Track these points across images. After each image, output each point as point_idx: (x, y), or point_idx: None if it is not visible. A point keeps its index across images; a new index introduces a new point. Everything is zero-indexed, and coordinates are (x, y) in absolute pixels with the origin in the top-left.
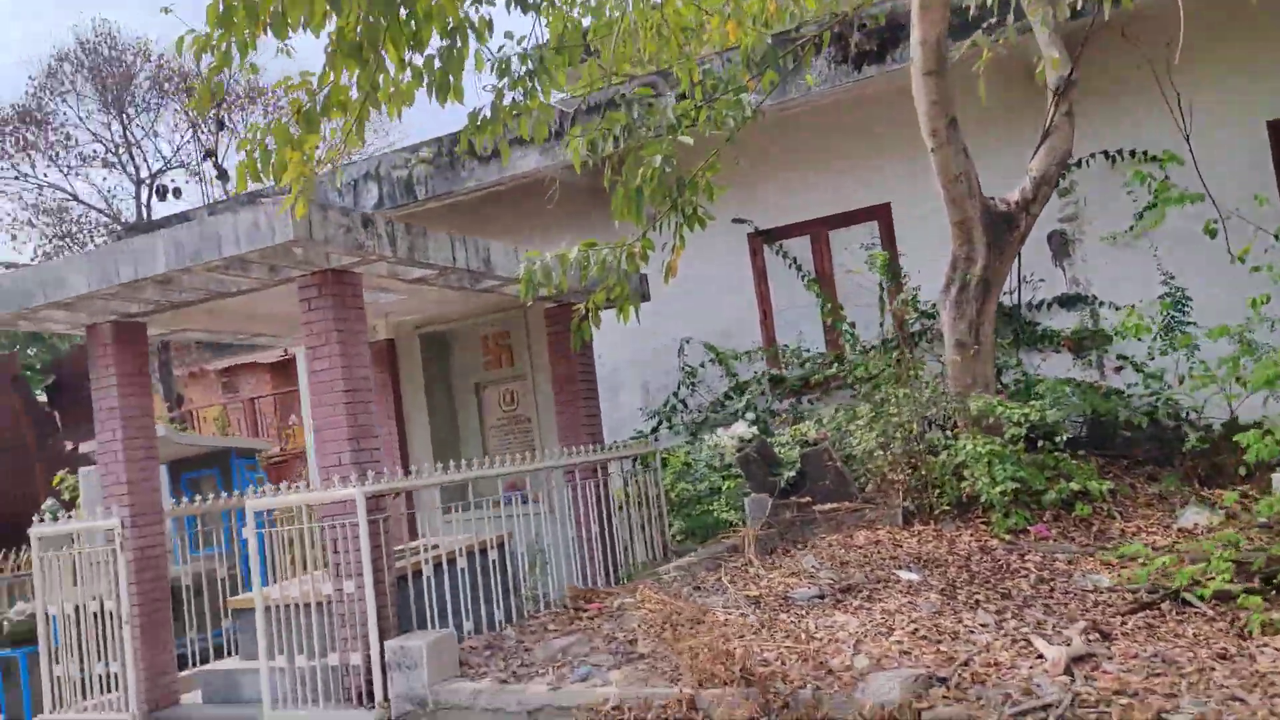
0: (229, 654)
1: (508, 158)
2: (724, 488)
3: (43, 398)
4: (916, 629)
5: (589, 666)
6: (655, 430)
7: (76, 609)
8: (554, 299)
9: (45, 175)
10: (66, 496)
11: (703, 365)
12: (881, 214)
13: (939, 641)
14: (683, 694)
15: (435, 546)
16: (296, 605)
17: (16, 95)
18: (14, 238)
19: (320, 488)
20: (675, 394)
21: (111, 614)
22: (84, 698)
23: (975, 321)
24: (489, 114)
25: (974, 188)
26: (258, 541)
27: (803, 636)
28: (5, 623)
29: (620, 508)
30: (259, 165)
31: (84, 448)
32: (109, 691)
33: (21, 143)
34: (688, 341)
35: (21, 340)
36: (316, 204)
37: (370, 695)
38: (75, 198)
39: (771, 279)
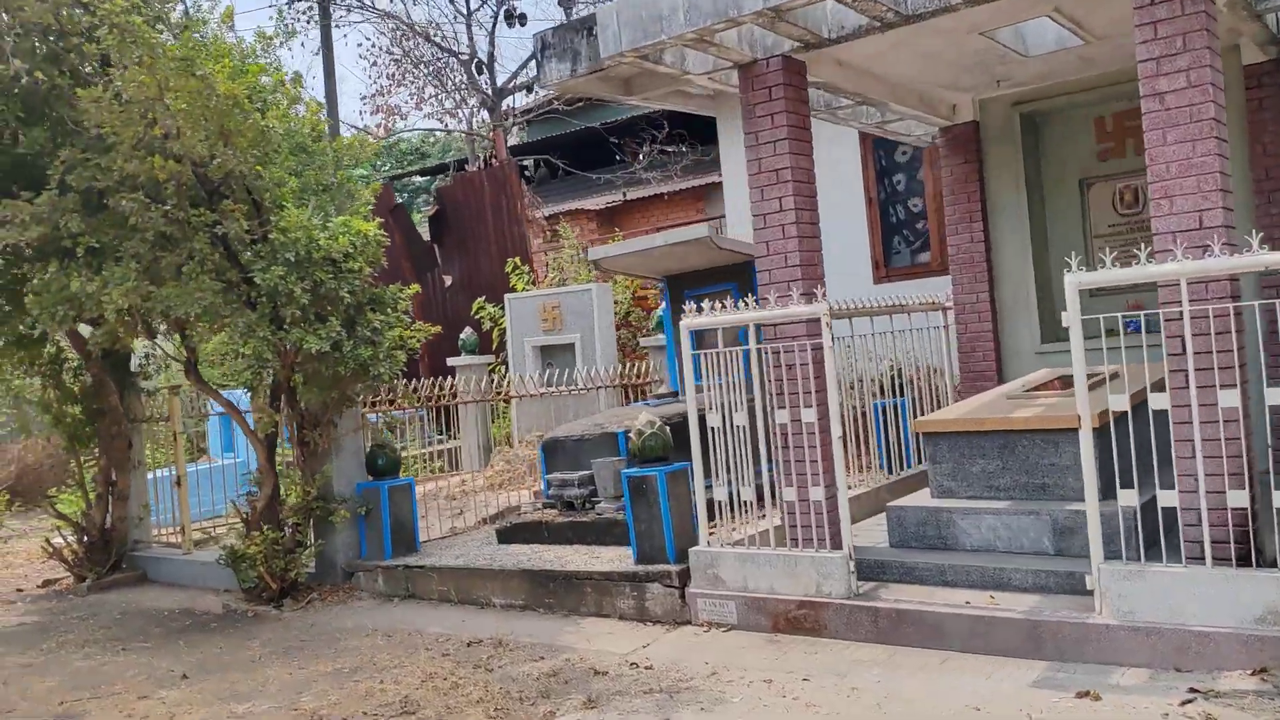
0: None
1: None
2: None
3: (425, 231)
4: None
5: None
6: None
7: (724, 417)
8: None
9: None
10: (486, 326)
11: None
12: None
13: None
14: None
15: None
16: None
17: None
18: (373, 64)
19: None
20: None
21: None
22: (733, 522)
23: None
24: None
25: None
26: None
27: None
28: (635, 435)
29: None
30: None
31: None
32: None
33: None
34: None
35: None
36: None
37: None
38: (411, 28)
39: None
